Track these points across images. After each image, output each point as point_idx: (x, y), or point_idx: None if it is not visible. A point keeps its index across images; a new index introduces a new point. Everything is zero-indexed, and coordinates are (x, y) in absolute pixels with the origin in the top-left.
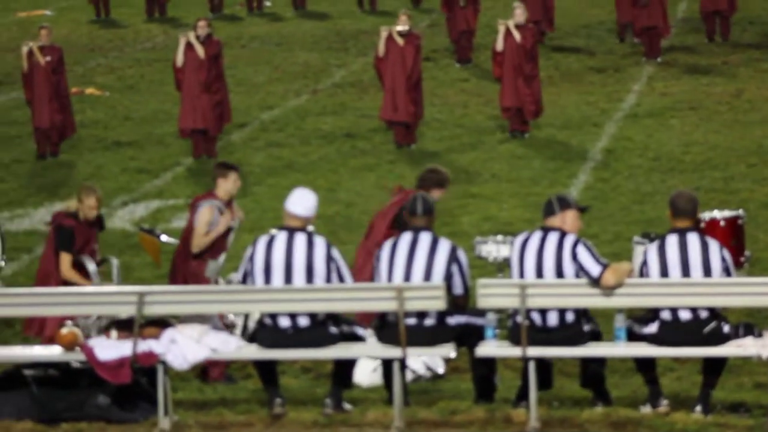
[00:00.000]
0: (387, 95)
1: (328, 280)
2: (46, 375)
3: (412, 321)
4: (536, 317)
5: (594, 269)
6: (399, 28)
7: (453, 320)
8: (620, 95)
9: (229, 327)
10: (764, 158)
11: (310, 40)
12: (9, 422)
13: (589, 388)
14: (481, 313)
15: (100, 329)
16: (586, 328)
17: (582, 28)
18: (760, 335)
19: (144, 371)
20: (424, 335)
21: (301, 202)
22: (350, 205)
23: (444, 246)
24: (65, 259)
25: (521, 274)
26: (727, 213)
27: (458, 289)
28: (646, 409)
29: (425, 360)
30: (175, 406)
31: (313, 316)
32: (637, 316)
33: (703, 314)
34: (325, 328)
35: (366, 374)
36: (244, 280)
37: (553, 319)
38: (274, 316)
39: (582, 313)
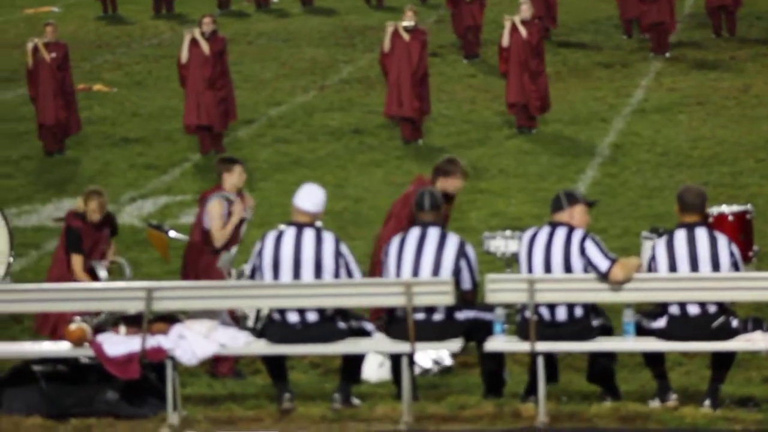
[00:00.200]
0: (391, 90)
1: (337, 275)
2: (55, 370)
3: (420, 316)
4: (545, 312)
5: (602, 264)
6: (405, 23)
7: (462, 315)
8: (628, 90)
9: (239, 319)
10: None
11: (317, 36)
12: (18, 418)
13: (596, 383)
14: (490, 308)
15: (100, 324)
16: (595, 323)
17: (590, 24)
18: None
19: (153, 367)
20: (432, 330)
21: (310, 197)
22: (358, 200)
23: (452, 241)
24: (76, 260)
25: (529, 269)
26: (736, 208)
27: (467, 284)
28: (655, 404)
29: (431, 353)
30: (183, 402)
31: (321, 311)
32: (646, 311)
33: (712, 309)
34: (333, 323)
35: (373, 370)
36: (252, 276)
37: (561, 314)
38: (282, 312)
39: (591, 308)
